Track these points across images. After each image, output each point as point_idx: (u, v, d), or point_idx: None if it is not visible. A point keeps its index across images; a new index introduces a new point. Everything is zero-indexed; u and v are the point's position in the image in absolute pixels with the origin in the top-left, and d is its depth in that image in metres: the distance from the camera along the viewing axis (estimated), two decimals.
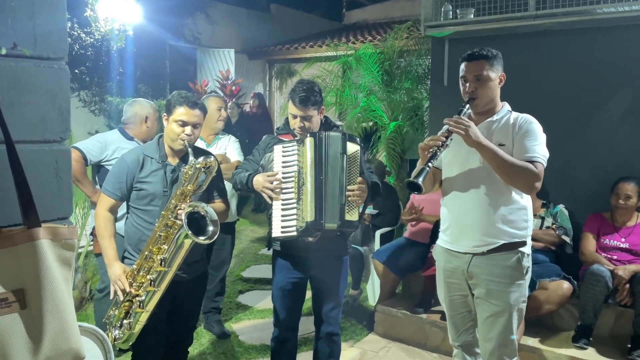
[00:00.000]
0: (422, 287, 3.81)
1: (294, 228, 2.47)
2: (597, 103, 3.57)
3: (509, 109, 2.32)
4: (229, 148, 3.92)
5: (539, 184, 2.14)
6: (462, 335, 2.44)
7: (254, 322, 4.05)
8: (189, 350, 2.76)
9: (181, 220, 2.20)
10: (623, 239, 3.28)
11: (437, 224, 3.89)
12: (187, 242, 2.23)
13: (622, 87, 3.47)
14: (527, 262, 2.26)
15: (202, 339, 3.74)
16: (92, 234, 3.47)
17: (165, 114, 2.48)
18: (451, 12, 3.73)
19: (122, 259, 2.47)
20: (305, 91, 2.57)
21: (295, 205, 2.49)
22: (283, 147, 2.59)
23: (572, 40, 3.60)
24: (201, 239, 2.23)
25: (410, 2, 9.72)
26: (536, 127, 2.22)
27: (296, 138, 2.61)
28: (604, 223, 3.38)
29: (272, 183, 2.51)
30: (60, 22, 1.28)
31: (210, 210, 2.29)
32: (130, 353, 2.56)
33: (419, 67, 5.53)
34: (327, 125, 2.74)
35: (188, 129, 2.40)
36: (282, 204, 2.52)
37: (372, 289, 4.41)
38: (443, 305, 2.48)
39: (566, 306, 3.37)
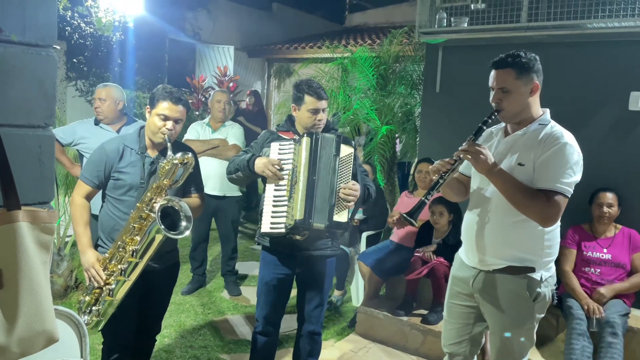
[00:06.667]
0: (404, 290, 3.85)
1: (283, 225, 2.51)
2: (582, 115, 3.62)
3: (547, 120, 2.11)
4: (230, 134, 4.36)
5: (556, 218, 1.98)
6: (453, 346, 2.39)
7: (236, 318, 4.08)
8: (156, 338, 2.77)
9: (155, 213, 2.20)
10: (605, 250, 3.31)
11: (422, 228, 3.95)
12: (159, 237, 2.23)
13: (608, 101, 3.53)
14: (540, 288, 2.11)
15: (183, 331, 3.76)
16: None
17: (148, 106, 2.47)
18: (445, 20, 3.78)
19: (95, 246, 2.46)
20: (317, 84, 2.66)
21: (286, 202, 2.53)
22: (280, 145, 2.62)
23: (561, 53, 3.65)
24: (172, 234, 2.22)
25: (412, 8, 9.72)
26: (565, 147, 1.97)
27: (295, 137, 2.63)
28: (584, 234, 3.41)
29: (274, 166, 2.54)
30: (51, 10, 1.31)
31: (185, 205, 2.28)
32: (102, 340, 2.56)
33: (413, 73, 5.58)
34: (326, 126, 2.77)
35: (169, 124, 2.39)
36: (274, 200, 2.56)
37: (356, 290, 4.45)
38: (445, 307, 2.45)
39: (545, 315, 3.40)
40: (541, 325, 3.44)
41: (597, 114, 3.57)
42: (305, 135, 2.56)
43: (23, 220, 1.17)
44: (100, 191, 2.52)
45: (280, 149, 2.61)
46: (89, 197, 2.48)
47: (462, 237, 2.31)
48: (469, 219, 2.25)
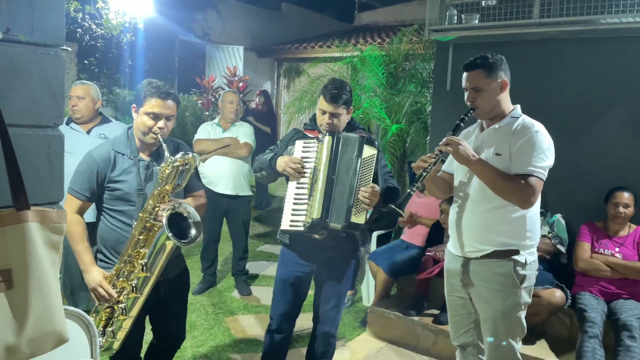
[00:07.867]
0: (415, 290, 3.82)
1: (302, 223, 2.52)
2: (596, 113, 3.57)
3: (518, 114, 2.28)
4: (240, 133, 4.42)
5: (533, 199, 2.12)
6: (461, 336, 2.47)
7: (247, 318, 4.08)
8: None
9: (161, 221, 2.04)
10: (617, 249, 3.28)
11: (433, 228, 3.92)
12: (169, 245, 2.07)
13: (622, 98, 3.48)
14: (525, 271, 2.22)
15: (194, 331, 3.77)
16: None
17: (134, 105, 2.26)
18: (456, 17, 3.75)
19: (95, 260, 2.28)
20: (337, 88, 2.62)
21: (306, 200, 2.53)
22: (304, 143, 2.64)
23: (574, 50, 3.60)
24: (183, 243, 2.06)
25: (421, 6, 9.66)
26: (536, 135, 2.15)
27: (321, 135, 2.63)
28: (597, 232, 3.37)
29: (295, 164, 2.55)
30: (59, 10, 1.31)
31: (193, 210, 2.12)
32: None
33: (423, 71, 5.55)
34: (350, 126, 2.75)
35: (161, 122, 2.20)
36: (294, 198, 2.57)
37: (367, 290, 4.43)
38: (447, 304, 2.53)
39: (558, 314, 3.37)
40: (553, 324, 3.43)
41: (611, 112, 3.52)
42: (327, 134, 2.57)
43: (32, 220, 1.17)
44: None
45: (304, 147, 2.62)
46: (81, 212, 2.26)
47: (450, 230, 2.43)
48: (454, 212, 2.38)
